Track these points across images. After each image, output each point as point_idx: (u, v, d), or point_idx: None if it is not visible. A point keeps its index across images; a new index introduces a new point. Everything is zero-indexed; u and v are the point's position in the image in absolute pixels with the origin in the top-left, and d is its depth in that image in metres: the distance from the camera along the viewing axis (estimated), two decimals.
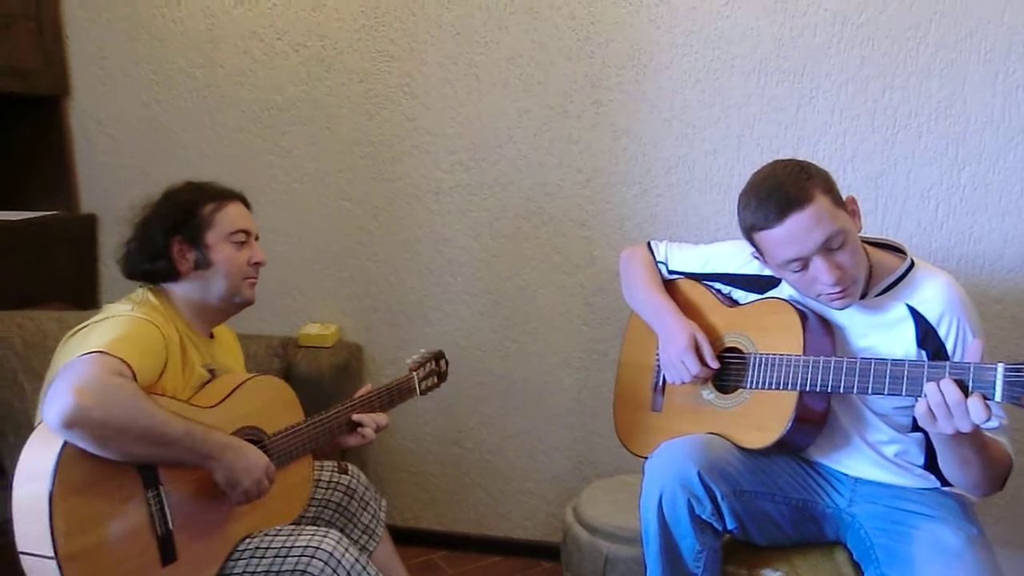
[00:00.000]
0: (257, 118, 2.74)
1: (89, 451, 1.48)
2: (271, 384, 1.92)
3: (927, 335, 1.69)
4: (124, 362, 1.54)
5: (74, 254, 2.82)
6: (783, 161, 1.70)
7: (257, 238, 1.93)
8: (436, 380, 2.29)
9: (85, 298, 2.83)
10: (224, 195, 1.89)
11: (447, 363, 2.35)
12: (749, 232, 1.70)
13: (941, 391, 1.44)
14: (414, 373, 2.19)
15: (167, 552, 1.60)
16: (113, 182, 2.85)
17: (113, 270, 2.83)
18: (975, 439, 1.52)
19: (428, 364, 2.25)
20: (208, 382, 1.80)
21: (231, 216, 1.86)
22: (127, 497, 1.55)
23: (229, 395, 1.78)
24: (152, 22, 2.73)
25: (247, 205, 1.93)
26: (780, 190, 1.62)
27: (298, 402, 1.94)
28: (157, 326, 1.69)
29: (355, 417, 2.00)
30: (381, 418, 2.06)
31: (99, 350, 1.53)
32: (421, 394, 2.22)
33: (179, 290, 1.84)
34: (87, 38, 2.78)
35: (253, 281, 1.90)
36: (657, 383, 2.02)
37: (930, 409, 1.46)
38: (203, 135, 2.78)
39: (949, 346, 1.68)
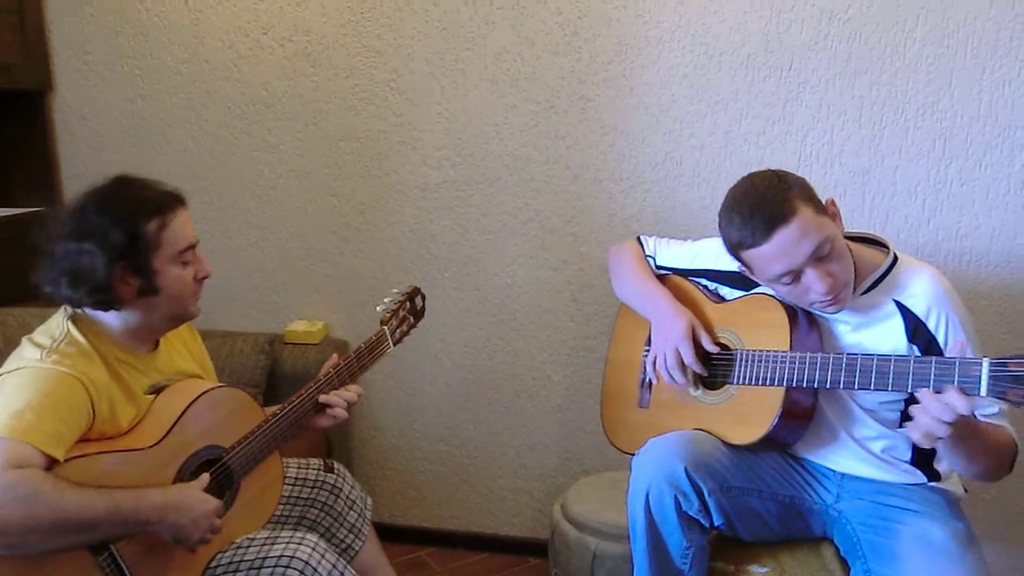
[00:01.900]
0: (242, 113, 2.72)
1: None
2: (221, 397, 1.75)
3: (917, 329, 1.69)
4: (27, 444, 1.39)
5: None
6: (759, 173, 1.69)
7: (198, 242, 1.72)
8: (413, 320, 2.16)
9: None
10: (167, 204, 1.65)
11: (424, 298, 2.23)
12: (736, 250, 1.69)
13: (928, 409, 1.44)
14: (385, 327, 2.04)
15: None
16: (97, 178, 2.80)
17: None
18: (975, 436, 1.52)
19: (400, 310, 2.11)
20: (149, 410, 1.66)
21: (177, 231, 1.64)
22: (76, 569, 1.46)
23: (175, 424, 1.63)
24: (136, 16, 2.71)
25: (186, 207, 1.71)
26: (763, 206, 1.61)
27: (255, 404, 1.82)
28: (76, 375, 1.52)
29: (321, 399, 1.85)
30: (350, 394, 1.90)
31: None
32: (395, 344, 2.07)
33: (114, 318, 1.64)
34: (70, 32, 2.75)
35: (198, 296, 1.73)
36: (644, 380, 2.01)
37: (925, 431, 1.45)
38: (188, 131, 2.76)
39: (940, 338, 1.68)
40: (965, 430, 1.48)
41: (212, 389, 1.75)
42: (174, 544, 1.56)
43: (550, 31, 2.48)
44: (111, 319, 1.64)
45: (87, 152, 2.83)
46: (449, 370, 2.76)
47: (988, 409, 1.67)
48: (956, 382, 1.44)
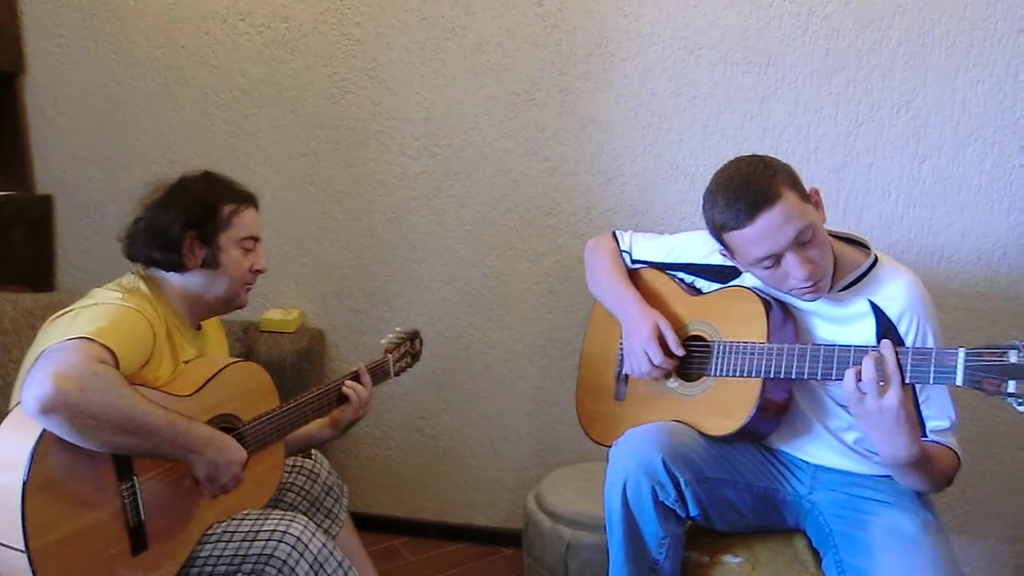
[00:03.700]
0: (219, 100, 2.70)
1: (67, 440, 1.45)
2: (248, 370, 1.89)
3: (887, 332, 1.71)
4: (108, 349, 1.51)
5: (30, 236, 2.76)
6: (746, 158, 1.71)
7: (261, 240, 1.93)
8: (410, 360, 2.29)
9: (41, 280, 2.77)
10: (244, 197, 1.89)
11: (422, 343, 2.33)
12: (719, 232, 1.70)
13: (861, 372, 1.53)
14: (389, 355, 2.17)
15: (138, 542, 1.59)
16: (70, 163, 2.79)
17: (70, 252, 2.81)
18: (924, 465, 1.58)
19: (403, 345, 2.24)
20: (182, 371, 1.77)
21: (247, 221, 1.86)
22: (100, 489, 1.54)
23: (206, 383, 1.75)
24: None
25: (258, 209, 1.93)
26: (748, 189, 1.62)
27: (274, 388, 1.93)
28: (146, 318, 1.67)
29: (351, 382, 2.02)
30: (364, 392, 2.04)
31: (84, 336, 1.51)
32: (395, 376, 2.21)
33: (177, 282, 1.81)
34: (43, 13, 2.71)
35: (251, 287, 1.91)
36: (620, 372, 2.03)
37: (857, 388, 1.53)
38: (163, 116, 2.73)
39: (908, 343, 1.70)
40: (916, 461, 1.55)
41: (241, 360, 1.91)
42: (205, 482, 1.65)
43: (531, 23, 2.48)
44: (174, 282, 1.82)
45: (60, 136, 2.79)
46: (424, 360, 2.75)
47: (939, 424, 1.70)
48: (933, 372, 1.47)
